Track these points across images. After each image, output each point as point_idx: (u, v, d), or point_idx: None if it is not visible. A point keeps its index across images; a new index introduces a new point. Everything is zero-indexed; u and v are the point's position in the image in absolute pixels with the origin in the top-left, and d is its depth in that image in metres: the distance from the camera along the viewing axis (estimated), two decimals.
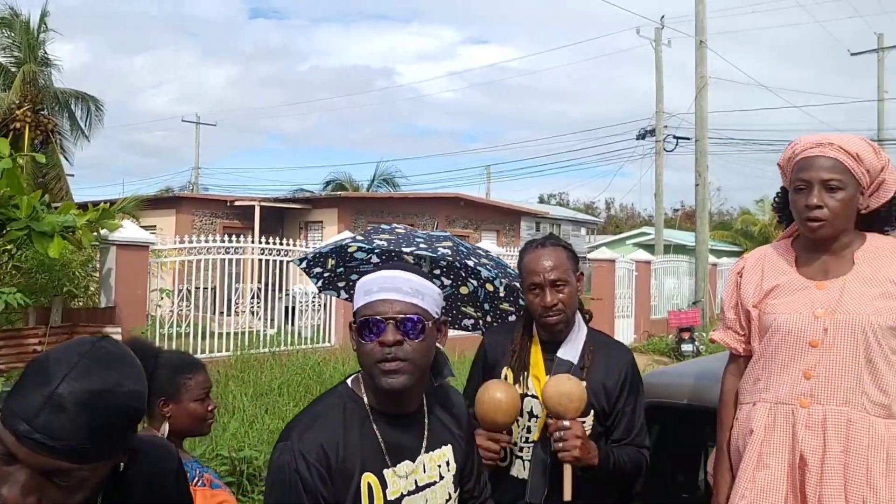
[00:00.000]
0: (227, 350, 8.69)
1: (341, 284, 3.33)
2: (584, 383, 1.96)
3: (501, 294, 3.04)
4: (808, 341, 1.74)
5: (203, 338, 8.55)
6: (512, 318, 3.01)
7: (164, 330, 8.11)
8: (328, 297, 9.52)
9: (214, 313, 9.66)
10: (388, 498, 1.46)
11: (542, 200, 48.54)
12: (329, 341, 9.78)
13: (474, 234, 18.65)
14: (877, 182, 1.81)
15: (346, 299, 3.28)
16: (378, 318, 1.43)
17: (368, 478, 1.44)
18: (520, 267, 2.12)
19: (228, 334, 9.12)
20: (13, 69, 17.12)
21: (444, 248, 2.91)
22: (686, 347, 11.77)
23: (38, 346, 6.13)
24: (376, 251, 3.08)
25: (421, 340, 1.44)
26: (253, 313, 10.58)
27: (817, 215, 1.74)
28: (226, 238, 9.64)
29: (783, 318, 1.78)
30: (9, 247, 6.24)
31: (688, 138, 17.50)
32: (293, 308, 10.25)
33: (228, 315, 10.08)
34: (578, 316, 2.11)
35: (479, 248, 3.21)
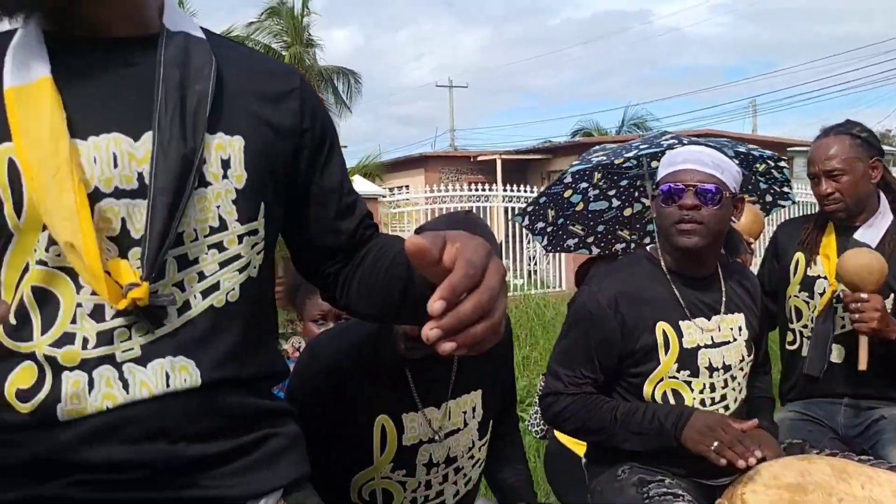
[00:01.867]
0: None
1: (566, 237, 2.91)
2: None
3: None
4: None
5: None
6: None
7: None
8: None
9: None
10: (685, 346, 1.64)
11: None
12: (561, 286, 9.85)
13: None
14: None
15: (577, 250, 2.93)
16: (679, 185, 1.62)
17: (664, 326, 1.64)
18: None
19: None
20: (283, 53, 19.49)
21: (666, 140, 2.46)
22: None
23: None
24: (596, 172, 2.68)
25: (717, 208, 1.61)
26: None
27: None
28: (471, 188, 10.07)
29: None
30: None
31: None
32: (535, 256, 10.41)
33: None
34: (885, 202, 2.12)
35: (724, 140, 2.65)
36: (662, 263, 1.71)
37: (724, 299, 1.71)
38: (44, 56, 0.81)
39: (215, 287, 0.87)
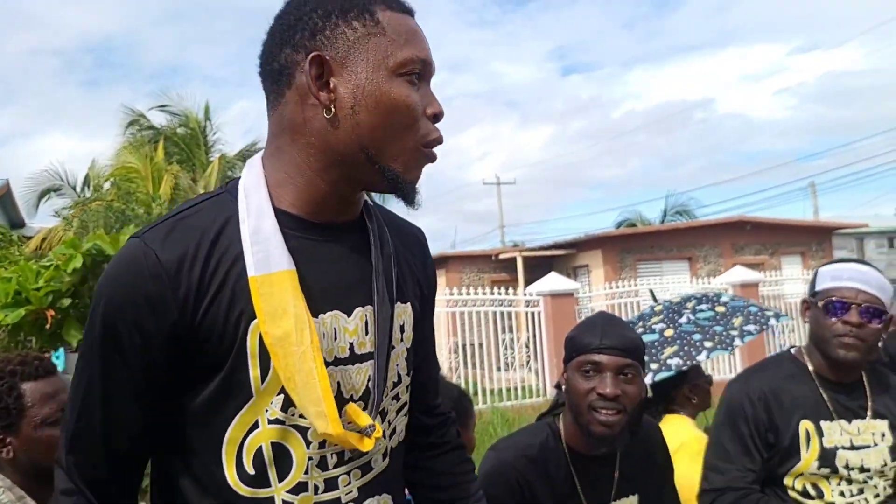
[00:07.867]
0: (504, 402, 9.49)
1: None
2: None
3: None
4: None
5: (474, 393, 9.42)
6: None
7: None
8: None
9: (487, 369, 10.51)
10: (825, 445, 1.84)
11: None
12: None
13: (770, 261, 17.59)
14: None
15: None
16: (847, 301, 1.84)
17: (806, 424, 1.86)
18: None
19: (502, 390, 9.98)
20: None
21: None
22: None
23: None
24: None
25: (879, 327, 1.83)
26: (527, 367, 11.29)
27: None
28: (494, 291, 10.56)
29: None
30: None
31: None
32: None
33: (502, 370, 10.91)
34: None
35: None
36: (809, 366, 1.93)
37: (869, 404, 1.89)
38: (283, 246, 0.99)
39: (393, 431, 1.13)
